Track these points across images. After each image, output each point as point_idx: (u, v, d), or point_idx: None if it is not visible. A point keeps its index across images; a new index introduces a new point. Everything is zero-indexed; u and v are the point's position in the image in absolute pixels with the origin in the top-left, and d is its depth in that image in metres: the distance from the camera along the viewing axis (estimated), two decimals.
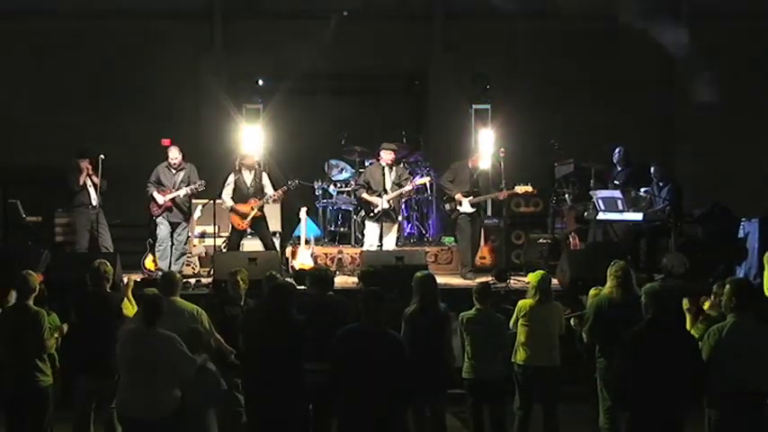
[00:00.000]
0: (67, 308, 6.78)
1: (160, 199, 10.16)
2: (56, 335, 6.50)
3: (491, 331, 6.71)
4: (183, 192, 10.19)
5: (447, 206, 10.28)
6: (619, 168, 10.71)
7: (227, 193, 10.00)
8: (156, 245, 10.30)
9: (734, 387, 5.36)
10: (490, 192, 10.10)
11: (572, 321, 7.05)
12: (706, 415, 5.61)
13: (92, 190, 10.15)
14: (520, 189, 10.10)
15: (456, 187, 10.12)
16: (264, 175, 10.18)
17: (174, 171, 10.31)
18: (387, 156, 10.19)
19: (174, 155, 10.29)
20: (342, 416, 5.67)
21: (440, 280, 7.10)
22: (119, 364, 5.85)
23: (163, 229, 10.29)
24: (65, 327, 6.67)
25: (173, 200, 10.21)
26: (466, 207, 10.03)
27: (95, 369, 6.45)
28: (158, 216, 10.26)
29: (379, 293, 5.68)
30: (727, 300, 5.56)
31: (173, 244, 10.34)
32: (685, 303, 6.41)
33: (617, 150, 10.75)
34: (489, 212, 11.41)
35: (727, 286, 5.63)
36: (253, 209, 9.89)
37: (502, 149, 10.28)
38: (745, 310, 5.47)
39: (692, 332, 6.06)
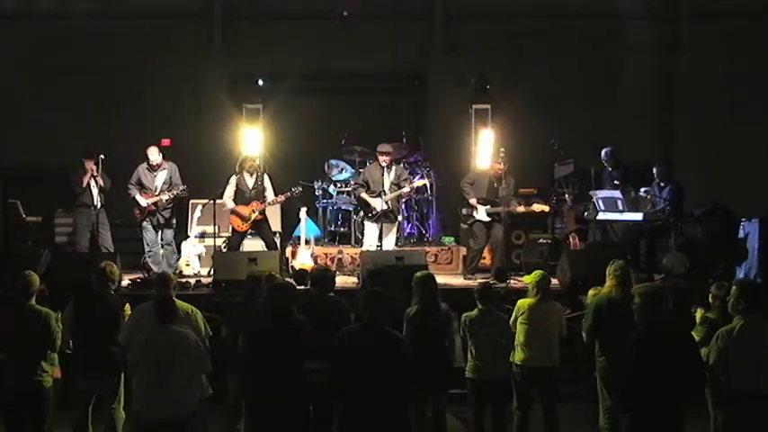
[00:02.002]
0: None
1: (143, 201, 10.09)
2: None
3: (494, 331, 6.70)
4: (165, 197, 10.09)
5: (464, 210, 10.24)
6: (609, 169, 10.71)
7: (229, 194, 10.00)
8: (146, 250, 10.21)
9: (742, 389, 5.37)
10: (510, 204, 9.99)
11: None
12: (711, 416, 5.61)
13: (95, 191, 10.13)
14: (537, 208, 10.10)
15: (474, 191, 10.07)
16: (266, 178, 10.17)
17: (154, 173, 10.24)
18: (382, 157, 10.17)
19: (154, 156, 10.18)
20: (342, 416, 5.67)
21: (440, 280, 7.10)
22: (135, 366, 5.75)
23: (149, 233, 10.22)
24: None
25: (155, 203, 10.12)
26: (481, 215, 9.96)
27: (96, 369, 6.45)
28: (143, 220, 10.18)
29: (379, 293, 5.67)
30: (734, 302, 5.57)
31: (162, 246, 10.26)
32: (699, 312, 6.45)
33: (604, 151, 10.75)
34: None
35: (734, 288, 5.64)
36: (254, 211, 9.89)
37: (502, 149, 10.27)
38: (753, 312, 5.48)
39: (693, 334, 6.08)
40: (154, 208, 10.15)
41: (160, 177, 10.22)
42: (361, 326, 5.57)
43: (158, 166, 10.21)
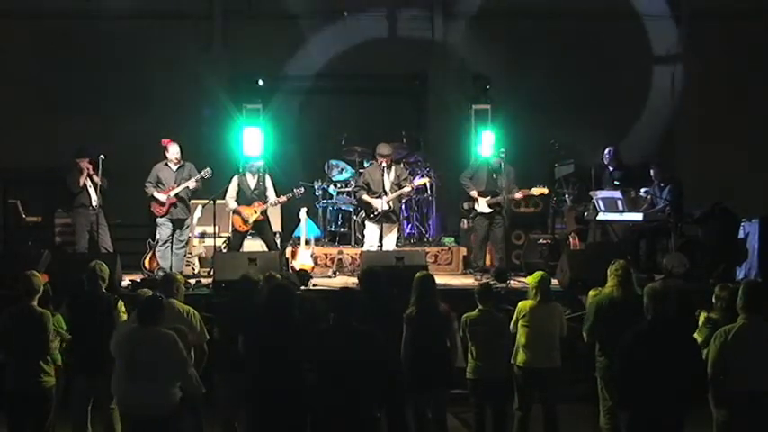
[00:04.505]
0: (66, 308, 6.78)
1: (162, 197, 9.99)
2: (66, 336, 6.51)
3: (495, 331, 6.70)
4: (191, 183, 10.02)
5: (465, 205, 10.25)
6: (611, 169, 10.71)
7: (231, 194, 9.99)
8: (157, 247, 10.16)
9: (743, 388, 5.38)
10: (511, 192, 10.01)
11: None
12: (714, 416, 5.62)
13: (92, 191, 10.05)
14: (536, 191, 10.09)
15: (474, 185, 10.08)
16: (268, 178, 10.15)
17: (174, 168, 10.18)
18: (381, 159, 10.17)
19: (176, 151, 10.14)
20: (319, 416, 5.67)
21: (440, 280, 7.12)
22: (117, 363, 5.83)
23: (164, 230, 10.11)
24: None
25: (177, 195, 10.03)
26: (483, 207, 9.96)
27: (92, 368, 6.46)
28: (164, 215, 10.08)
29: (350, 291, 5.75)
30: (738, 300, 5.58)
31: (173, 244, 10.19)
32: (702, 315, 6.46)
33: (607, 150, 10.76)
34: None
35: (741, 288, 5.67)
36: (255, 212, 9.89)
37: (502, 150, 10.28)
38: (755, 312, 5.50)
39: (696, 335, 6.09)
40: (176, 200, 10.06)
41: (182, 173, 10.14)
42: (332, 325, 5.68)
43: (178, 162, 10.17)
